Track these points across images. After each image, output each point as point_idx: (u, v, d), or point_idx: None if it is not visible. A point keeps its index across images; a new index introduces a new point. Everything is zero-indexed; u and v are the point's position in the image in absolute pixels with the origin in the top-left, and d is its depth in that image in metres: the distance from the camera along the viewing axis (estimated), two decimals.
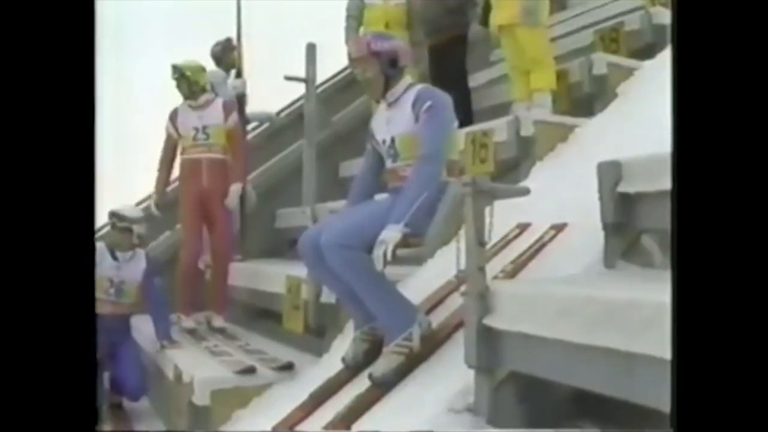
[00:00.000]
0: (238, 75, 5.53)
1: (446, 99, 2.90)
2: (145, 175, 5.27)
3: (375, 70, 2.93)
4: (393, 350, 2.77)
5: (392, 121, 2.96)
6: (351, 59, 3.04)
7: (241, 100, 5.39)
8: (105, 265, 4.22)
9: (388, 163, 2.99)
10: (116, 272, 4.30)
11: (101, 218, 4.54)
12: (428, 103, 2.83)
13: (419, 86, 2.99)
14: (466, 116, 4.72)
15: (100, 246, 4.23)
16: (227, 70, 5.66)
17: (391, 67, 2.93)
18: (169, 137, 4.83)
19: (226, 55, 5.70)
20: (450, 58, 5.21)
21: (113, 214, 4.38)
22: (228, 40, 5.74)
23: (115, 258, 4.31)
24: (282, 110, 6.56)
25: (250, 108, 5.64)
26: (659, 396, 1.54)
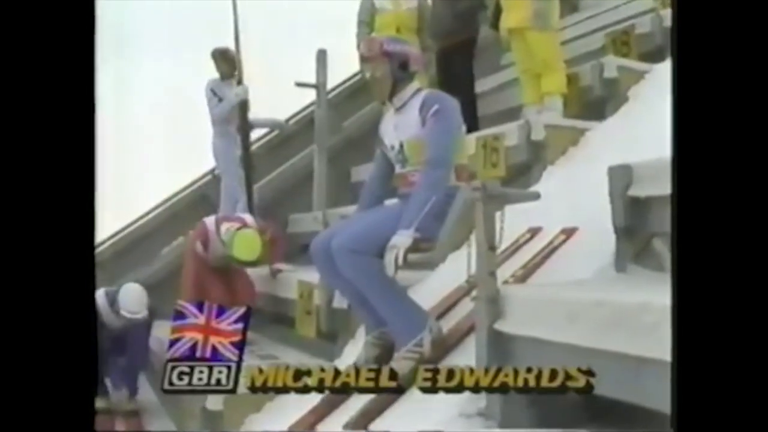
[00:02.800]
0: (239, 82, 5.47)
1: (453, 103, 2.91)
2: (145, 177, 5.19)
3: (384, 70, 2.94)
4: (404, 356, 2.77)
5: (400, 126, 2.97)
6: (362, 59, 3.05)
7: (243, 106, 5.37)
8: (104, 315, 4.11)
9: (398, 168, 3.00)
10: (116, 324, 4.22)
11: (101, 219, 4.44)
12: (435, 107, 2.84)
13: (426, 91, 3.00)
14: (471, 121, 4.71)
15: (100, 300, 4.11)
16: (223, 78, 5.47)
17: (401, 69, 2.94)
18: (194, 254, 4.47)
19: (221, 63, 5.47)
20: (457, 63, 5.20)
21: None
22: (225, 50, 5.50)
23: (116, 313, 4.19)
24: (293, 116, 6.56)
25: (258, 114, 5.62)
26: (669, 400, 1.53)
